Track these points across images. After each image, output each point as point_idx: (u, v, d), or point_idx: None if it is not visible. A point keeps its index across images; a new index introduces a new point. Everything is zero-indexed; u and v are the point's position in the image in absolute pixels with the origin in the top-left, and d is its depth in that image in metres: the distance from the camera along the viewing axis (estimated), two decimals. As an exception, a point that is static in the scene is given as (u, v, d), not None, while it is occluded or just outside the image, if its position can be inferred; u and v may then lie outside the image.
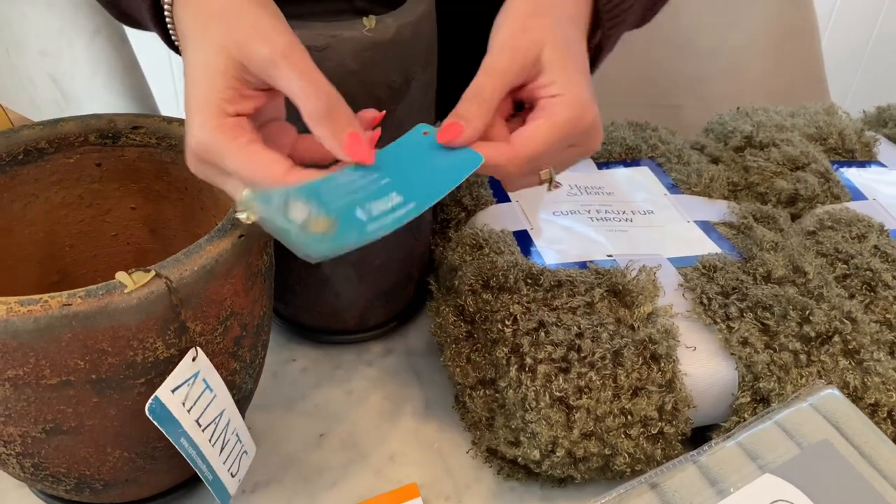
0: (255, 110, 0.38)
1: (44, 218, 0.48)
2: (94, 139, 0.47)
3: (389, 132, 0.48)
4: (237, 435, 0.43)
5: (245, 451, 0.45)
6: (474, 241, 0.53)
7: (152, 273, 0.34)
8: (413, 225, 0.54)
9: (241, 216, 0.35)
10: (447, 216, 0.59)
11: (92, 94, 0.84)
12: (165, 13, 0.39)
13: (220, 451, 0.41)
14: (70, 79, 0.86)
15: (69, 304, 0.33)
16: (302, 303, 0.56)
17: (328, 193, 0.35)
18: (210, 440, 0.40)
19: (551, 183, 0.42)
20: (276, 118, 0.40)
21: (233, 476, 0.44)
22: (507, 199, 0.59)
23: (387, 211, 0.36)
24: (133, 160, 0.48)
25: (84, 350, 0.34)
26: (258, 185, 0.35)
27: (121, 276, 0.34)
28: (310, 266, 0.53)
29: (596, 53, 0.46)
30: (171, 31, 0.40)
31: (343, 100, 0.37)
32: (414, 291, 0.59)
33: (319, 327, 0.58)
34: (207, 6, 0.37)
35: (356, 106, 0.45)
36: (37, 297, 0.33)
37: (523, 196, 0.59)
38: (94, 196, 0.49)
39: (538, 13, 0.41)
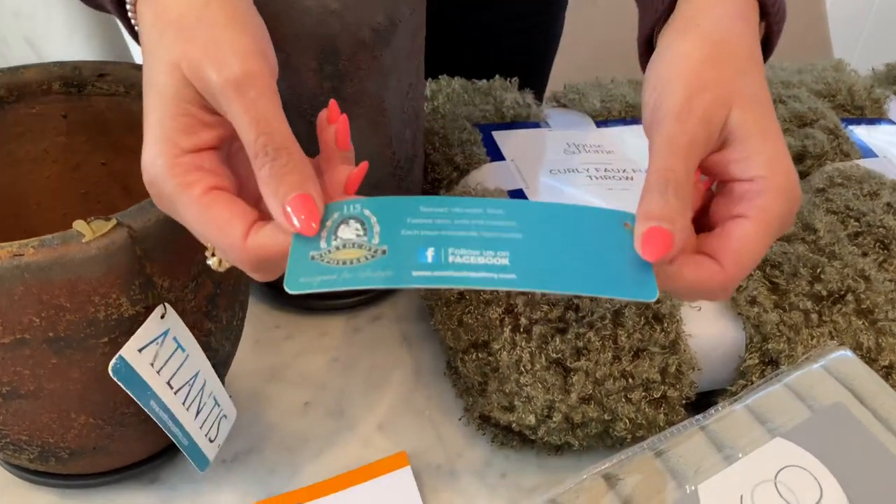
0: (222, 140, 0.31)
1: (7, 173, 0.45)
2: (59, 88, 0.43)
3: (375, 79, 0.45)
4: (214, 398, 0.40)
5: (224, 415, 0.42)
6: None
7: (113, 221, 0.32)
8: (401, 184, 0.52)
9: (211, 262, 0.32)
10: (438, 176, 0.56)
11: (69, 57, 0.81)
12: (128, 9, 0.33)
13: (196, 415, 0.39)
14: (46, 41, 0.82)
15: (20, 255, 0.30)
16: (285, 266, 0.54)
17: (413, 218, 0.29)
18: (184, 403, 0.37)
19: None
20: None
21: (211, 441, 0.41)
22: (502, 158, 0.56)
23: (471, 266, 0.28)
24: (101, 111, 0.45)
25: (39, 305, 0.31)
26: (213, 244, 0.30)
27: (79, 224, 0.31)
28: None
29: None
30: (137, 29, 0.33)
31: (301, 153, 0.30)
32: (404, 255, 0.57)
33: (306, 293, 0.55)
34: (167, 10, 0.30)
35: (339, 49, 0.43)
36: (-16, 247, 0.30)
37: (518, 155, 0.56)
38: (60, 150, 0.46)
39: (717, 60, 0.31)
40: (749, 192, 0.31)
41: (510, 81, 0.64)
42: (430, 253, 0.29)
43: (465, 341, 0.45)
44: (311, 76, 0.44)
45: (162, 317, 0.34)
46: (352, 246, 0.29)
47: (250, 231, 0.29)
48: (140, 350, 0.34)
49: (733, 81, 0.31)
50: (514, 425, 0.42)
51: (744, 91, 0.31)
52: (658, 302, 0.42)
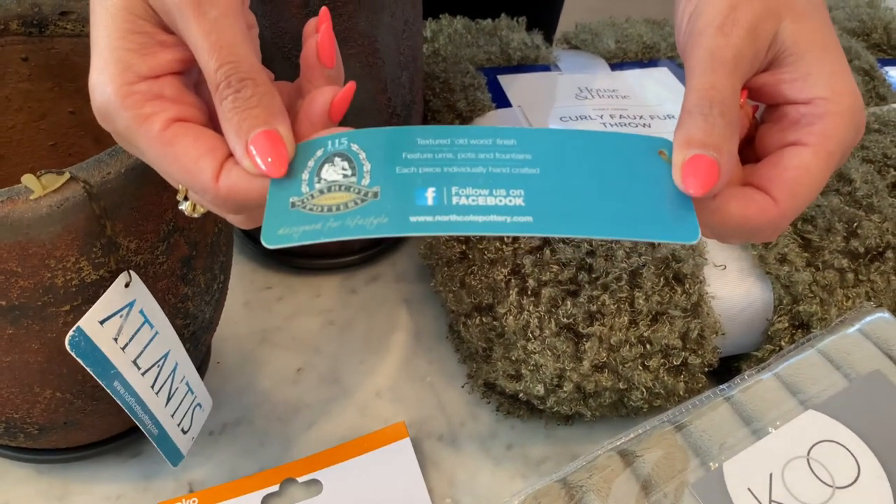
0: (185, 63, 0.27)
1: (-35, 123, 0.41)
2: (17, 27, 0.39)
3: (365, 15, 0.41)
4: (188, 384, 0.37)
5: (199, 404, 0.39)
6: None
7: (66, 175, 0.28)
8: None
9: (184, 207, 0.28)
10: (440, 123, 0.51)
11: None
12: None
13: (168, 402, 0.36)
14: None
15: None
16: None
17: (409, 152, 0.25)
18: (153, 387, 0.34)
19: None
20: None
21: (184, 433, 0.38)
22: (508, 104, 0.52)
23: (480, 208, 0.24)
24: (66, 54, 0.40)
25: (-14, 271, 0.28)
26: (182, 185, 0.26)
27: (27, 179, 0.28)
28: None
29: None
30: None
31: (268, 84, 0.26)
32: (403, 210, 0.53)
33: (297, 251, 0.52)
34: None
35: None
36: (-82, 205, 0.26)
37: (526, 101, 0.52)
38: (24, 98, 0.42)
39: None
40: (807, 116, 0.27)
41: (517, 21, 0.59)
42: (430, 194, 0.24)
43: (467, 304, 0.41)
44: (295, 12, 0.39)
45: (126, 285, 0.31)
46: (338, 189, 0.24)
47: (222, 169, 0.25)
48: (102, 322, 0.30)
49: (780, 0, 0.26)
50: (521, 395, 0.39)
51: (798, 4, 0.26)
52: (679, 261, 0.38)
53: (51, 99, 0.42)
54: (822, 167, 0.26)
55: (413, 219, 0.24)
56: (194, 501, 0.39)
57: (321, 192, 0.24)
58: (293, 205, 0.24)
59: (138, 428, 0.40)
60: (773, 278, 0.39)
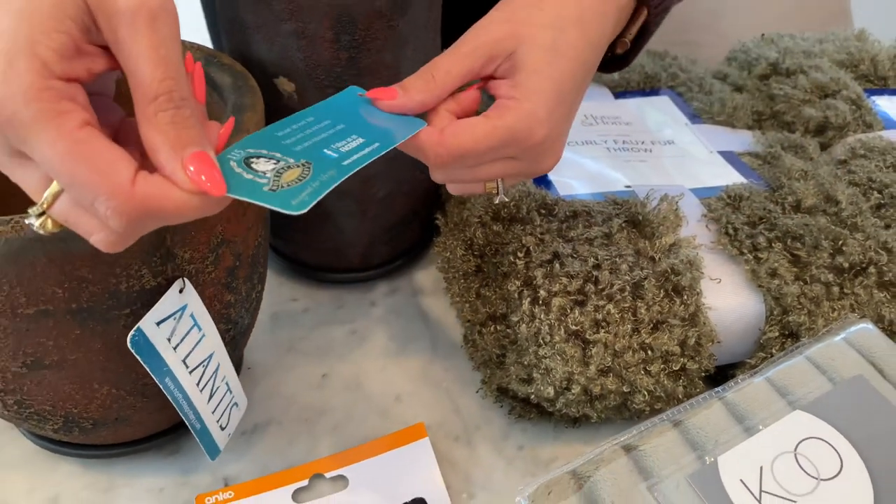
0: (91, 76, 0.27)
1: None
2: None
3: (391, 50, 0.45)
4: (227, 384, 0.40)
5: (235, 403, 0.42)
6: (483, 172, 0.50)
7: (133, 193, 0.31)
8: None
9: (36, 223, 0.27)
10: (454, 148, 0.55)
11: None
12: None
13: (209, 399, 0.39)
14: None
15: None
16: (302, 239, 0.54)
17: (288, 140, 0.32)
18: (198, 385, 0.38)
19: (497, 195, 0.39)
20: (101, 92, 0.30)
21: (222, 429, 0.41)
22: (518, 130, 0.55)
23: (354, 149, 0.33)
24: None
25: (62, 277, 0.31)
26: (82, 190, 0.26)
27: (99, 196, 0.31)
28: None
29: (639, 36, 0.43)
30: None
31: (198, 106, 0.28)
32: (420, 229, 0.57)
33: (321, 265, 0.55)
34: None
35: (355, 19, 0.42)
36: (7, 217, 0.30)
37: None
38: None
39: (536, 6, 0.37)
40: (499, 105, 0.37)
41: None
42: (330, 152, 0.32)
43: (482, 314, 0.44)
44: (327, 46, 0.43)
45: (181, 291, 0.34)
46: (285, 170, 0.30)
47: (137, 177, 0.26)
48: (158, 324, 0.34)
49: (537, 26, 0.37)
50: (532, 397, 0.42)
51: (544, 38, 0.37)
52: (678, 274, 0.41)
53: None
54: (484, 131, 0.36)
55: (344, 163, 0.31)
56: (230, 494, 0.42)
57: (277, 175, 0.30)
58: (273, 189, 0.29)
59: (178, 427, 0.44)
60: (765, 291, 0.43)
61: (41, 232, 0.28)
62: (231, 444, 0.45)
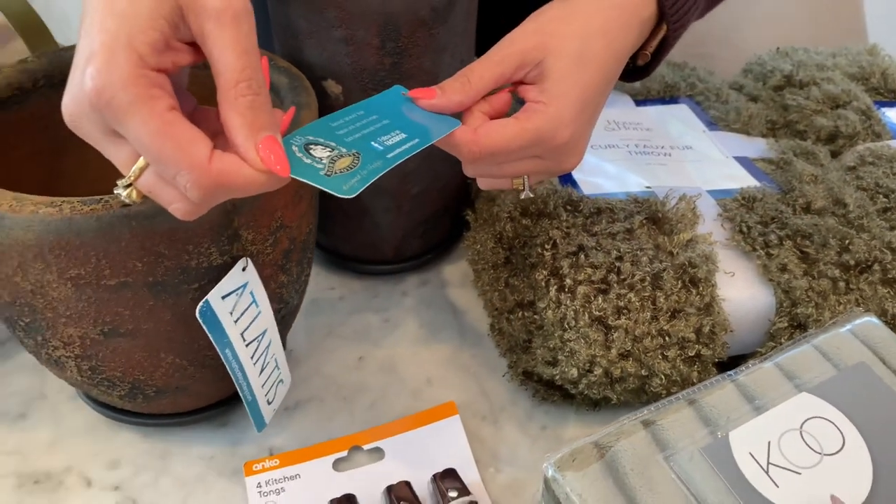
0: (177, 68, 0.31)
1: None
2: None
3: (430, 56, 0.49)
4: (276, 360, 0.44)
5: (281, 380, 0.46)
6: (513, 171, 0.53)
7: (207, 179, 0.35)
8: (450, 156, 0.55)
9: (123, 193, 0.32)
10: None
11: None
12: None
13: (260, 373, 0.42)
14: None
15: (128, 205, 0.34)
16: (342, 233, 0.57)
17: (341, 131, 0.36)
18: (252, 358, 0.41)
19: (523, 191, 0.43)
20: (179, 83, 0.34)
21: (269, 403, 0.45)
22: (545, 133, 0.59)
23: (396, 144, 0.36)
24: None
25: (142, 252, 0.35)
26: (167, 164, 0.30)
27: (177, 180, 0.35)
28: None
29: (659, 49, 0.46)
30: None
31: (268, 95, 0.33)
32: (449, 225, 0.60)
33: (358, 257, 0.59)
34: None
35: (400, 27, 0.46)
36: (98, 197, 0.34)
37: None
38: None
39: (564, 20, 0.41)
40: (527, 108, 0.40)
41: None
42: (376, 144, 0.36)
43: (511, 301, 0.48)
44: (372, 52, 0.47)
45: (243, 269, 0.38)
46: (338, 158, 0.34)
47: (213, 155, 0.30)
48: (223, 298, 0.37)
49: (565, 38, 0.40)
50: (556, 379, 0.46)
51: (571, 49, 0.40)
52: (695, 267, 0.45)
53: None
54: (514, 132, 0.39)
55: (388, 156, 0.35)
56: (276, 462, 0.45)
57: (331, 162, 0.34)
58: (328, 174, 0.33)
59: (227, 401, 0.48)
60: (775, 285, 0.46)
61: (127, 201, 0.32)
62: (275, 419, 0.48)
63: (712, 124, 0.61)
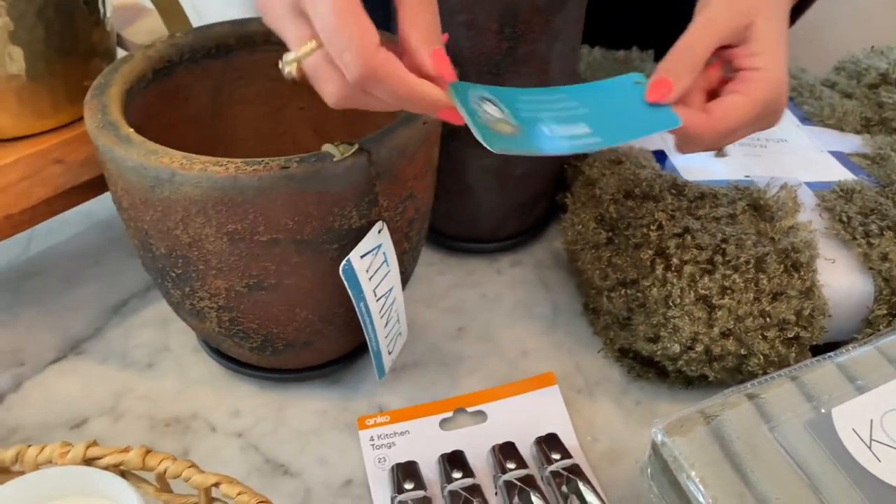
0: None
1: (226, 112, 0.52)
2: (276, 39, 0.50)
3: (545, 42, 0.51)
4: (398, 315, 0.47)
5: (400, 333, 0.49)
6: (613, 157, 0.55)
7: (356, 147, 0.38)
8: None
9: (287, 68, 0.36)
10: (582, 136, 0.61)
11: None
12: None
13: (385, 325, 0.46)
14: (205, 5, 0.92)
15: (287, 168, 0.37)
16: (444, 209, 0.60)
17: (523, 104, 0.38)
18: (380, 312, 0.44)
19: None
20: None
21: (389, 353, 0.48)
22: (642, 122, 0.61)
23: (570, 136, 0.37)
24: (307, 61, 0.52)
25: (294, 211, 0.38)
26: (340, 37, 0.33)
27: (328, 147, 0.38)
28: (455, 174, 0.56)
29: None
30: None
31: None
32: (545, 207, 0.62)
33: (456, 235, 0.62)
34: None
35: (518, 13, 0.48)
36: (260, 159, 0.37)
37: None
38: (269, 94, 0.53)
39: None
40: (749, 78, 0.40)
41: (646, 53, 0.69)
42: (545, 129, 0.37)
43: (613, 280, 0.50)
44: (491, 37, 0.50)
45: (379, 232, 0.41)
46: (501, 122, 0.36)
47: (381, 47, 0.33)
48: (361, 256, 0.40)
49: (761, 3, 0.41)
50: (657, 355, 0.48)
51: (771, 8, 0.41)
52: (797, 252, 0.46)
53: (287, 96, 0.53)
54: (746, 108, 0.40)
55: (549, 144, 0.36)
56: (387, 418, 0.49)
57: (495, 122, 0.36)
58: (486, 126, 0.35)
59: (339, 360, 0.51)
60: (875, 273, 0.47)
61: (286, 74, 0.36)
62: (384, 379, 0.51)
63: (806, 119, 0.62)
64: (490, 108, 0.36)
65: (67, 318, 0.56)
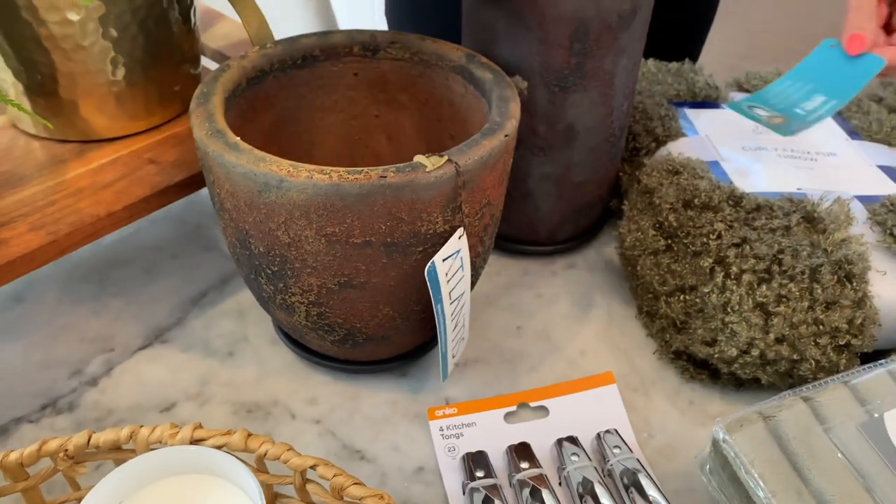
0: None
1: (307, 118, 0.56)
2: (358, 51, 0.54)
3: (611, 58, 0.54)
4: (464, 320, 0.50)
5: (463, 338, 0.52)
6: (671, 167, 0.58)
7: (445, 158, 0.41)
8: (612, 150, 0.60)
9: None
10: (638, 145, 0.64)
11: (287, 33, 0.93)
12: None
13: (454, 328, 0.49)
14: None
15: (384, 177, 0.40)
16: (504, 213, 0.63)
17: (774, 99, 0.54)
18: (451, 315, 0.47)
19: None
20: None
21: (453, 357, 0.51)
22: (696, 133, 0.63)
23: (816, 107, 0.50)
24: (385, 72, 0.55)
25: (387, 216, 0.41)
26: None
27: (419, 158, 0.41)
28: (516, 179, 0.59)
29: None
30: None
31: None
32: (600, 213, 0.65)
33: (512, 237, 0.64)
34: None
35: (589, 31, 0.51)
36: (360, 168, 0.40)
37: (712, 131, 0.63)
38: (346, 102, 0.56)
39: None
40: None
41: (697, 66, 0.71)
42: (799, 110, 0.52)
43: (671, 285, 0.53)
44: (561, 52, 0.52)
45: (459, 238, 0.44)
46: (772, 117, 0.53)
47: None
48: (444, 260, 0.43)
49: None
50: (713, 357, 0.50)
51: None
52: (851, 263, 0.49)
53: (364, 104, 0.57)
54: None
55: (810, 117, 0.52)
56: (454, 410, 0.52)
57: (769, 118, 0.55)
58: (770, 124, 0.55)
59: (407, 355, 0.54)
60: (925, 286, 0.49)
61: None
62: (450, 373, 0.55)
63: (854, 133, 0.65)
64: (759, 111, 0.49)
65: (151, 308, 0.60)
